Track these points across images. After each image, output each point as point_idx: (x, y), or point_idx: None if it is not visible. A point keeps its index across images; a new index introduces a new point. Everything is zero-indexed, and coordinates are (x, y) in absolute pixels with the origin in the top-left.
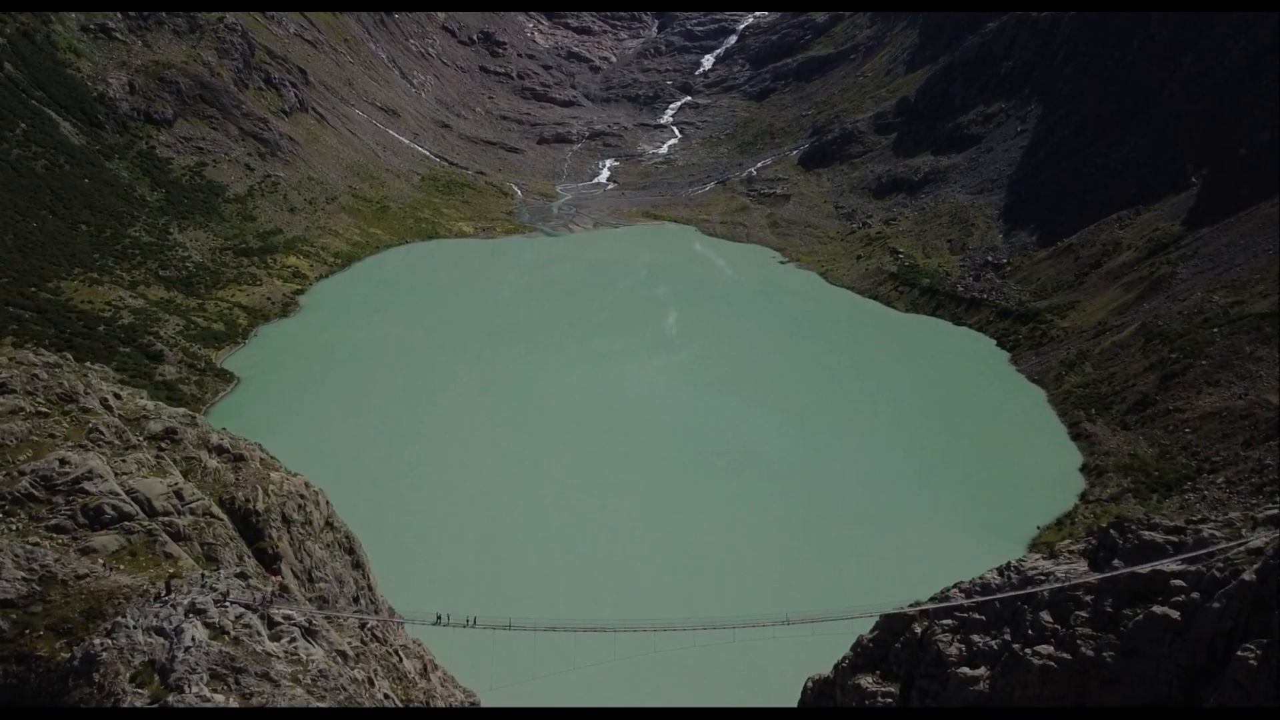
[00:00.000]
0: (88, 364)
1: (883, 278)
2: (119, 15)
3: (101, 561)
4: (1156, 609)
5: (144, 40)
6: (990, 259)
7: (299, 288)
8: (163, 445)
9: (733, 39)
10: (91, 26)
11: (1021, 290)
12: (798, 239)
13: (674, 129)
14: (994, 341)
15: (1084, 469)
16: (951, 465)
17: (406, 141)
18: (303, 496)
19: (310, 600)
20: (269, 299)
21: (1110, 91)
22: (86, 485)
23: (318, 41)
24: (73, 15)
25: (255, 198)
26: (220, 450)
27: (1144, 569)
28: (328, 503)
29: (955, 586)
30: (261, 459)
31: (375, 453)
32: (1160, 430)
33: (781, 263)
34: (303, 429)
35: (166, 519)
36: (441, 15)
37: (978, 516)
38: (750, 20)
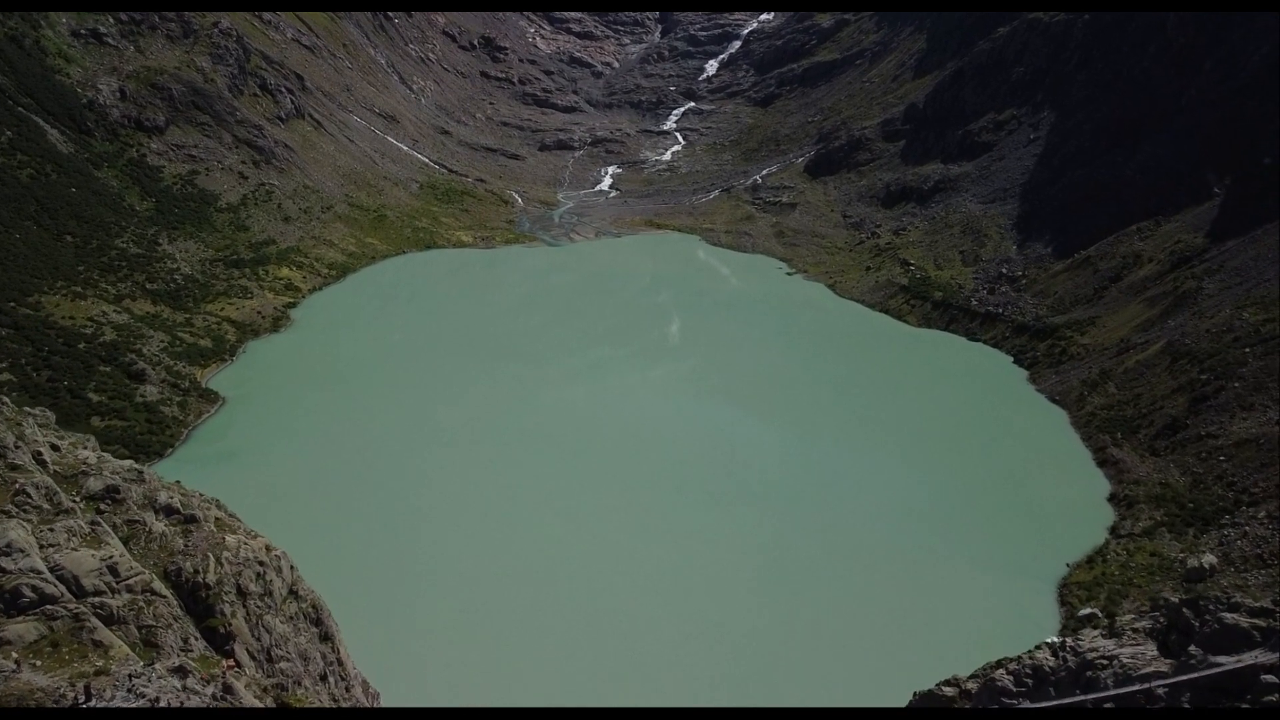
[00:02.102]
0: (27, 408)
1: (893, 290)
2: (111, 20)
3: (15, 656)
4: (1245, 708)
5: (136, 46)
6: (1004, 271)
7: (291, 301)
8: (102, 507)
9: (737, 44)
10: (82, 31)
11: (1038, 304)
12: (805, 249)
13: (677, 135)
14: (1010, 358)
15: (1112, 499)
16: (971, 493)
17: (405, 148)
18: (262, 563)
19: (269, 686)
20: (259, 313)
21: (1126, 98)
22: (3, 562)
23: (315, 47)
24: (63, 20)
25: (248, 207)
26: (169, 511)
27: (1231, 663)
28: (292, 567)
29: (1001, 667)
30: (217, 518)
31: (357, 487)
32: (1192, 457)
33: (788, 274)
34: (284, 456)
35: (97, 600)
36: (442, 20)
37: (1002, 552)
38: (754, 25)
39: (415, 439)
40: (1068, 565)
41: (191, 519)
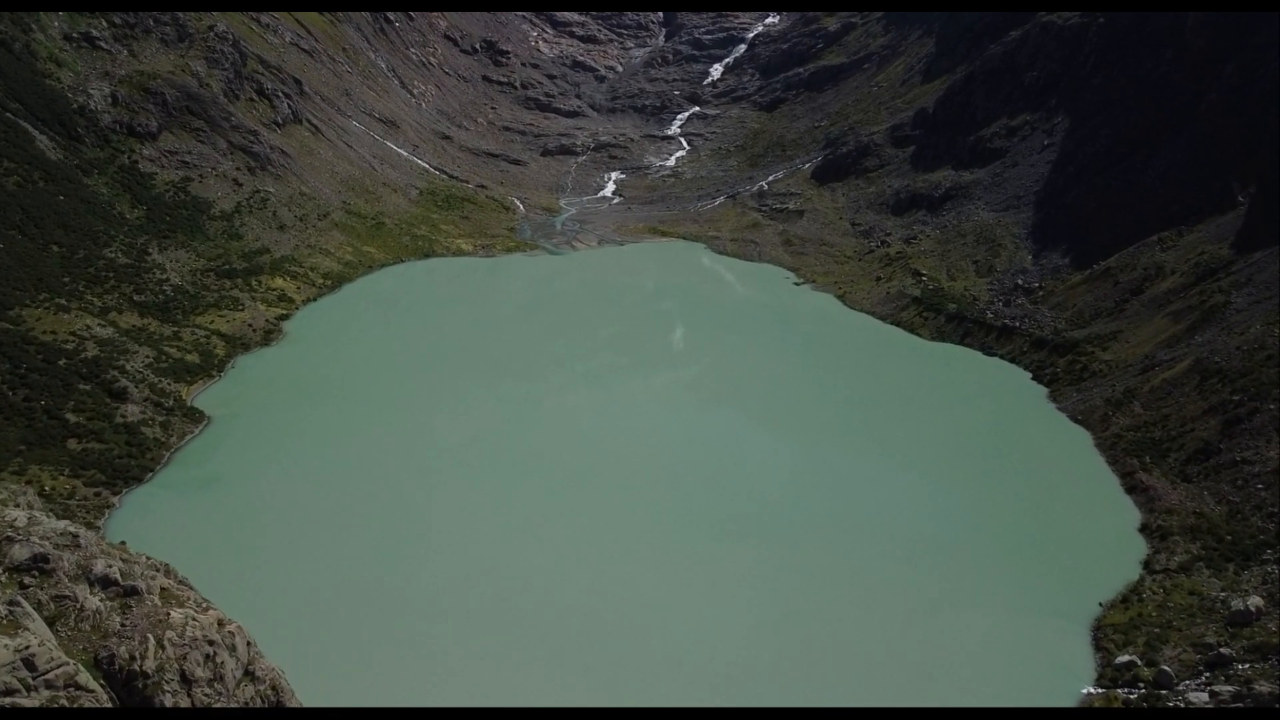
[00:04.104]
0: None
1: (905, 302)
2: (104, 23)
3: None
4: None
5: (130, 49)
6: (1020, 282)
7: (284, 312)
8: (27, 580)
9: (742, 48)
10: (75, 35)
11: (1056, 318)
12: (812, 258)
13: (681, 140)
14: (1029, 374)
15: (1144, 529)
16: (993, 521)
17: (405, 154)
18: (212, 642)
19: None
20: (250, 325)
21: (1143, 103)
22: None
23: (314, 51)
24: (55, 23)
25: (243, 214)
26: (106, 582)
27: None
28: (249, 643)
29: None
30: (164, 588)
31: (346, 518)
32: (1227, 485)
33: (796, 284)
34: (269, 481)
35: (9, 700)
36: (443, 24)
37: (1029, 587)
38: (760, 29)
39: (411, 461)
40: (1100, 604)
41: (132, 591)
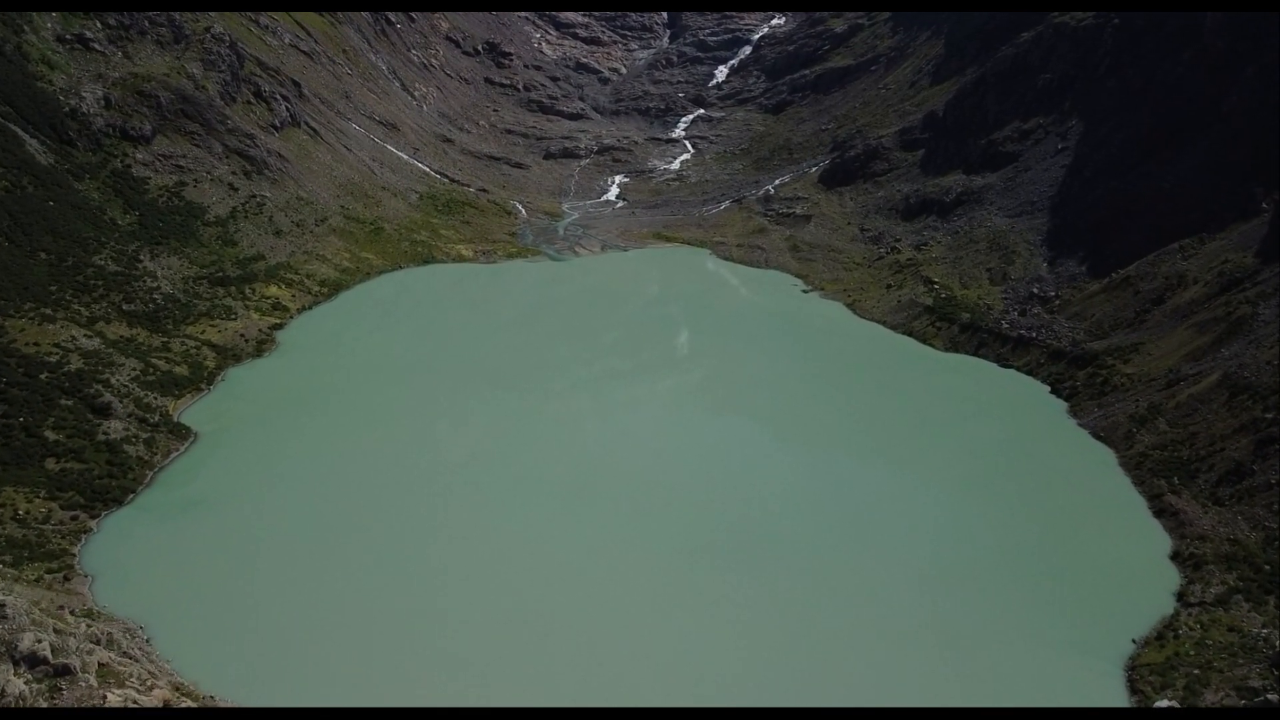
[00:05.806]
0: None
1: (917, 311)
2: (98, 25)
3: None
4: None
5: (124, 51)
6: (1036, 291)
7: (278, 322)
8: None
9: (747, 50)
10: (68, 36)
11: (1074, 328)
12: (820, 264)
13: (686, 144)
14: (1047, 388)
15: (1175, 557)
16: (1014, 546)
17: (405, 157)
18: None
19: None
20: (243, 335)
21: (1160, 106)
22: None
23: (314, 52)
24: (48, 25)
25: (238, 220)
26: (33, 660)
27: None
28: None
29: None
30: (101, 664)
31: (338, 544)
32: (1262, 509)
33: (804, 291)
34: (257, 503)
35: None
36: (445, 25)
37: (1054, 621)
38: (765, 30)
39: (408, 476)
40: (1133, 641)
41: (64, 670)
